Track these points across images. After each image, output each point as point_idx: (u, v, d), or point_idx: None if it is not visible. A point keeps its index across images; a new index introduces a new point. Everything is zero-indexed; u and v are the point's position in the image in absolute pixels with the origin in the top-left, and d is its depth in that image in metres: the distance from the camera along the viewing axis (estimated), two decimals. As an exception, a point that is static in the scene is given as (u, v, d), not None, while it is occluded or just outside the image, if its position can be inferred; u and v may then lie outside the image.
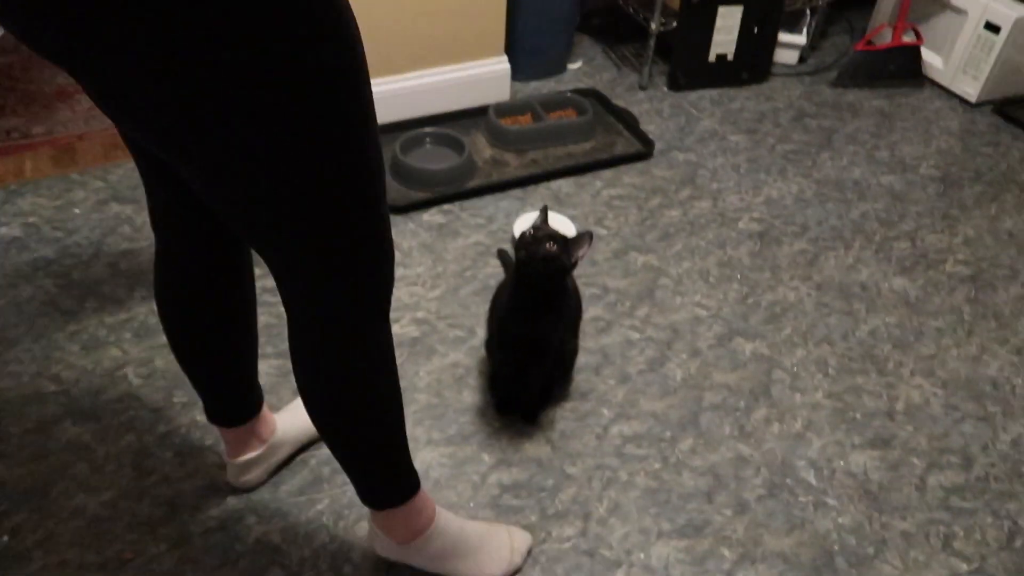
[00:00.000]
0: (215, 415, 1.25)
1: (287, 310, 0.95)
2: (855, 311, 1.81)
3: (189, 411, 1.48)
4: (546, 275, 1.30)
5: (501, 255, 1.84)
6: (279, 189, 0.78)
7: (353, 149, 0.79)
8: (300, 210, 0.80)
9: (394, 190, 2.04)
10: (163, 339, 1.60)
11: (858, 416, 1.57)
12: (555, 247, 1.27)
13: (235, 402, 1.25)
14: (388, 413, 1.05)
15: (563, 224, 1.94)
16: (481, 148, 2.24)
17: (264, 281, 1.13)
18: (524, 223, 1.92)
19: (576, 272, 1.38)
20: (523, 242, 1.28)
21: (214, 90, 0.68)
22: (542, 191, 2.11)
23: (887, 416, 1.58)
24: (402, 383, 1.56)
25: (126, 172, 2.04)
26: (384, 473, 1.11)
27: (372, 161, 0.82)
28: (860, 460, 1.49)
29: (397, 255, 1.85)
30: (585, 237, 1.29)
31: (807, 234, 2.03)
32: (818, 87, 2.67)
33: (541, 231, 1.29)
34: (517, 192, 2.09)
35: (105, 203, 1.95)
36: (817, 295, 1.85)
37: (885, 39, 2.69)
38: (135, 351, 1.59)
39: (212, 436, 1.44)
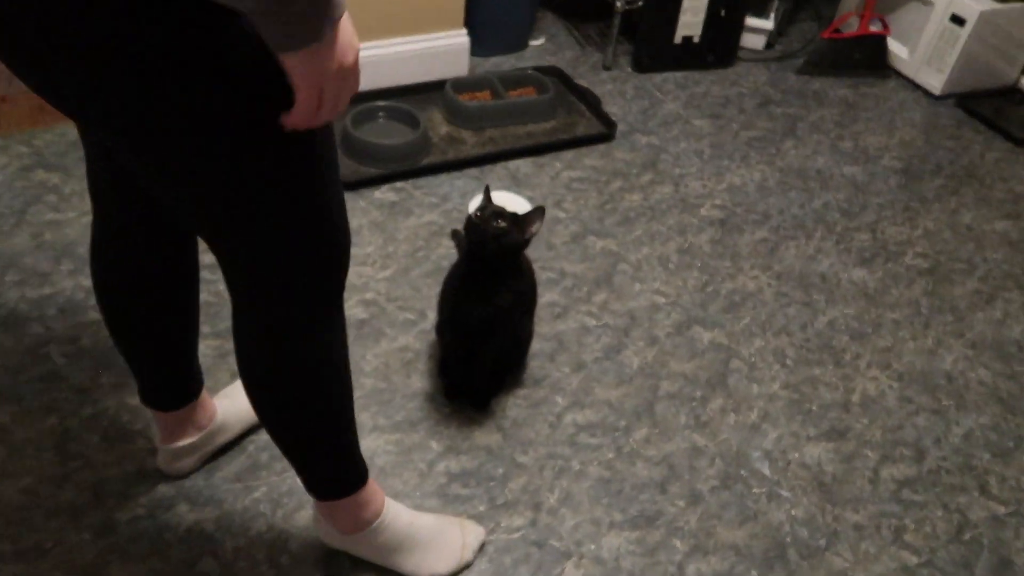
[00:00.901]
0: (150, 398, 1.18)
1: (231, 296, 0.89)
2: (814, 302, 1.80)
3: (117, 393, 1.39)
4: (498, 253, 1.27)
5: (455, 236, 1.78)
6: (225, 188, 0.74)
7: (303, 143, 0.74)
8: (247, 206, 0.76)
9: (344, 165, 1.96)
10: (90, 316, 1.51)
11: (814, 408, 1.56)
12: (504, 224, 1.25)
13: (173, 385, 1.19)
14: (335, 407, 1.00)
15: (519, 205, 1.88)
16: (437, 124, 2.16)
17: (203, 256, 1.06)
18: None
19: (532, 256, 1.34)
20: (471, 224, 1.26)
21: (164, 94, 0.65)
22: (499, 171, 2.05)
23: (843, 408, 1.56)
24: (346, 367, 1.50)
25: (54, 137, 1.93)
26: (329, 465, 1.07)
27: (323, 150, 0.77)
28: (815, 452, 1.47)
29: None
30: (537, 213, 1.27)
31: (768, 223, 2.01)
32: (784, 74, 2.65)
33: (488, 209, 1.27)
34: (473, 171, 2.03)
35: (30, 169, 1.84)
36: (777, 285, 1.83)
37: (852, 28, 2.68)
38: (59, 328, 1.49)
39: (142, 420, 1.36)
